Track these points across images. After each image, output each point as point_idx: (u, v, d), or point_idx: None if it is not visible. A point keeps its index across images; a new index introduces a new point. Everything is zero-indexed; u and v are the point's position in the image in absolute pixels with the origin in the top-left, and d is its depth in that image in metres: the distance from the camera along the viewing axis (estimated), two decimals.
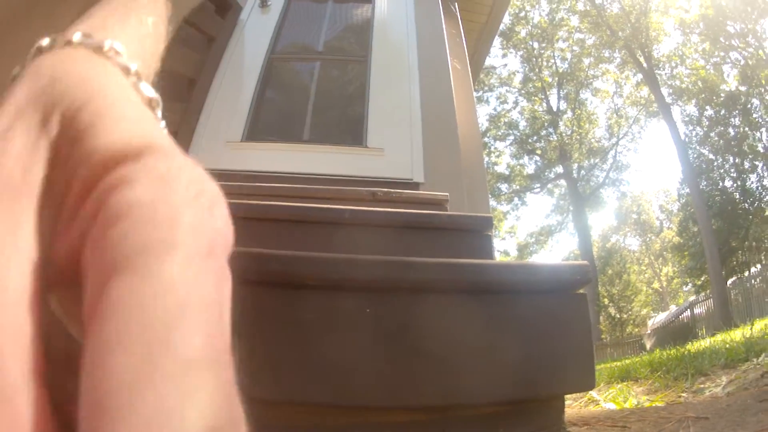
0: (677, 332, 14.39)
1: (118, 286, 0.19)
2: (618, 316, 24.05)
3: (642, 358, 5.04)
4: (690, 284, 21.86)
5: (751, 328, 5.70)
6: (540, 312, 1.02)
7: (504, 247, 30.15)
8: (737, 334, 5.39)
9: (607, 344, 19.33)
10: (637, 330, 22.99)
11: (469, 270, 1.04)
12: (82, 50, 0.32)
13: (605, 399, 2.41)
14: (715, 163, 20.12)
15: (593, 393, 2.54)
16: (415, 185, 3.10)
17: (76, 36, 0.32)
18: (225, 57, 3.81)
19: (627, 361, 5.67)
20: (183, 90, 3.39)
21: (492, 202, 27.10)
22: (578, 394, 2.50)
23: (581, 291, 1.11)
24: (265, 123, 3.77)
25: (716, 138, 20.08)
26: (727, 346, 3.73)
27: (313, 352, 0.92)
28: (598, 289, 22.89)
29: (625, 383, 2.97)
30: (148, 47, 0.40)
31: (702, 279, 19.00)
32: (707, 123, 20.53)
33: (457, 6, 5.18)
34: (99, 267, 0.20)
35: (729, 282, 16.64)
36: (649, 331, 19.44)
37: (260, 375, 0.90)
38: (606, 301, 23.84)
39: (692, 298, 18.55)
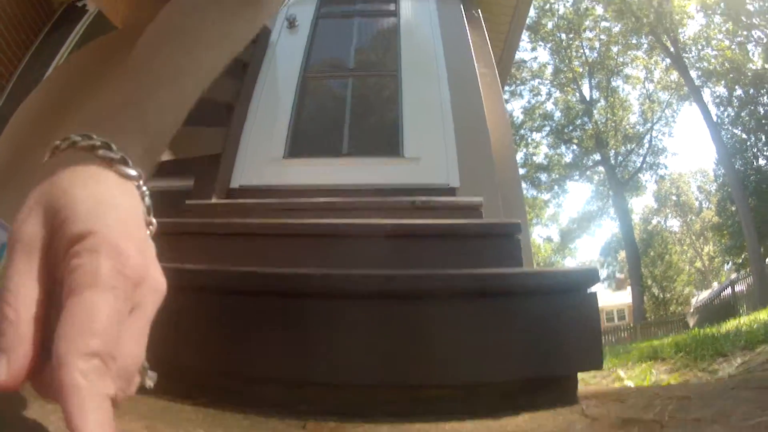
0: (719, 310, 14.20)
1: (71, 299, 0.39)
2: (661, 295, 23.88)
3: (669, 339, 5.13)
4: (730, 263, 21.62)
5: None
6: (556, 309, 1.24)
7: (548, 234, 30.22)
8: None
9: (651, 323, 19.17)
10: (680, 308, 22.81)
11: (495, 278, 1.27)
12: (72, 153, 0.49)
13: (628, 377, 2.59)
14: (748, 143, 19.84)
15: (621, 372, 2.73)
16: (452, 190, 3.18)
17: (75, 138, 0.49)
18: (260, 79, 3.95)
19: (656, 342, 5.76)
20: (223, 116, 3.52)
21: (533, 192, 27.17)
22: (606, 372, 2.69)
23: (591, 290, 1.32)
24: (305, 139, 3.86)
25: (747, 117, 19.78)
26: (747, 328, 3.82)
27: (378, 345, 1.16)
28: (641, 271, 22.76)
29: (649, 363, 3.11)
30: (151, 128, 0.56)
31: (742, 257, 18.76)
32: (737, 103, 20.21)
33: (480, 11, 5.24)
34: (67, 287, 0.40)
35: None
36: (692, 309, 19.21)
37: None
38: (649, 281, 23.64)
39: (733, 276, 18.27)
